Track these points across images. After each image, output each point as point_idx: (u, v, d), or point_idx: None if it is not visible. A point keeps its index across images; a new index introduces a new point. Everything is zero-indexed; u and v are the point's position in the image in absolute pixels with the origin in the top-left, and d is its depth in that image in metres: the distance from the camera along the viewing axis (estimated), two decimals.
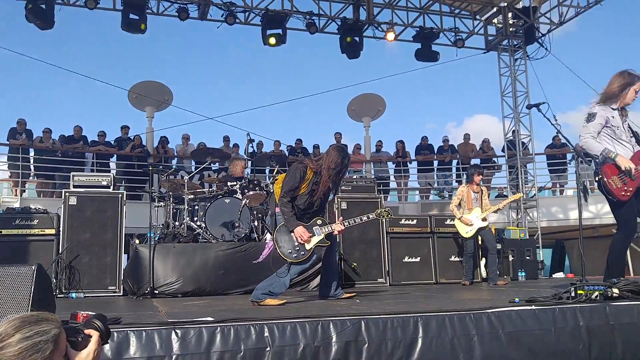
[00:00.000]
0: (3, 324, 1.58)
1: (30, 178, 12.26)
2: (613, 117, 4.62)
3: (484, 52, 13.66)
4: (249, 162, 8.83)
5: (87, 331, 1.79)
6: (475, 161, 13.74)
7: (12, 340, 1.55)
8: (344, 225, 4.89)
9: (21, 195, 11.42)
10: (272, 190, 7.78)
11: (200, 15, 11.73)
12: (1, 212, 7.44)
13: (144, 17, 11.06)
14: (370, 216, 5.19)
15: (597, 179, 4.61)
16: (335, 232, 4.87)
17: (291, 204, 4.76)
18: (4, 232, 7.05)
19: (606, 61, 32.11)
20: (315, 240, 4.76)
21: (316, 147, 13.51)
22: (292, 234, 4.69)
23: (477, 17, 13.46)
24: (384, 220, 7.34)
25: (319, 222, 4.83)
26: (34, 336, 1.57)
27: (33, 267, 2.82)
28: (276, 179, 5.46)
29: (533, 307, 3.52)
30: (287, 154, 12.87)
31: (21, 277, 2.79)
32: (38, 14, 10.47)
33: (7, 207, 8.40)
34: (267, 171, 12.60)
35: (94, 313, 3.08)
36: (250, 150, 9.56)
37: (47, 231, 7.19)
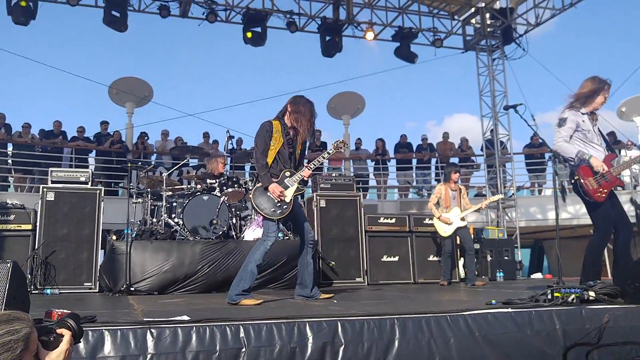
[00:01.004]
0: None
1: (10, 173, 12.07)
2: (583, 121, 4.73)
3: (462, 52, 13.78)
4: (229, 159, 8.79)
5: (59, 330, 1.79)
6: (454, 160, 13.86)
7: None
8: (310, 169, 4.95)
9: (1, 190, 11.22)
10: (250, 188, 7.78)
11: (181, 13, 11.66)
12: None
13: (125, 14, 10.96)
14: (330, 151, 5.22)
15: (573, 180, 4.69)
16: (305, 177, 4.91)
17: (267, 166, 4.86)
18: None
19: (584, 61, 32.63)
20: (291, 190, 4.86)
21: None
22: (267, 192, 4.79)
23: (456, 17, 13.56)
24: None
25: (287, 174, 4.91)
26: (5, 335, 1.57)
27: (8, 265, 2.79)
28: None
29: (510, 309, 3.56)
30: None
31: None
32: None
33: None
34: (246, 168, 12.57)
35: (69, 312, 3.07)
36: (230, 147, 9.52)
37: (24, 226, 7.11)
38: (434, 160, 14.15)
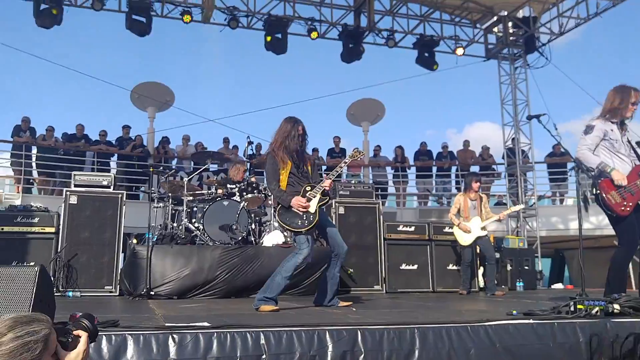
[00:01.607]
0: None
1: (33, 176, 12.28)
2: (612, 130, 4.63)
3: (484, 60, 13.71)
4: (248, 165, 8.83)
5: (75, 332, 1.84)
6: (475, 168, 13.77)
7: (5, 339, 1.59)
8: (330, 178, 4.96)
9: (23, 193, 11.41)
10: (269, 194, 7.81)
11: (203, 18, 11.78)
12: (3, 209, 7.45)
13: (150, 19, 11.12)
14: (347, 160, 5.29)
15: (595, 192, 4.62)
16: (327, 188, 4.91)
17: (282, 191, 4.92)
18: (6, 229, 7.09)
19: (610, 70, 32.11)
20: (314, 202, 4.87)
21: (315, 150, 13.52)
22: (292, 207, 4.83)
23: (477, 25, 13.52)
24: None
25: (308, 188, 4.94)
26: (25, 336, 1.61)
27: (36, 268, 2.84)
28: None
29: (531, 320, 3.52)
30: None
31: (24, 277, 2.80)
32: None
33: (9, 204, 8.41)
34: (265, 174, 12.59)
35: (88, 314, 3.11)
36: (250, 152, 9.57)
37: (47, 229, 7.22)
38: (454, 169, 14.07)
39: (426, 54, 12.70)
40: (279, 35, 11.91)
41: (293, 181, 4.97)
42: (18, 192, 11.31)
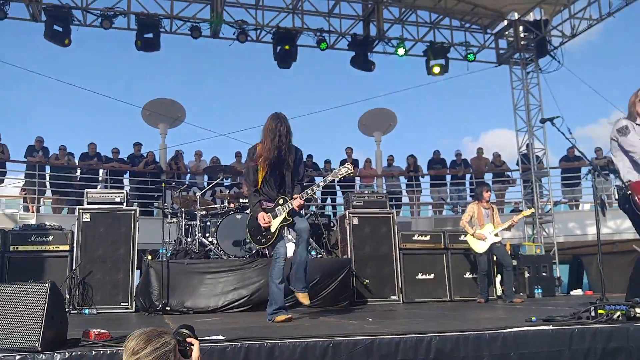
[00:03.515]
0: (131, 339, 1.90)
1: (46, 194, 12.37)
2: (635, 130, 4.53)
3: (496, 66, 13.63)
4: None
5: (188, 340, 2.09)
6: (489, 175, 13.65)
7: (146, 351, 1.86)
8: (302, 198, 4.87)
9: (37, 212, 11.51)
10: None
11: (212, 33, 11.84)
12: (18, 228, 7.50)
13: (158, 36, 11.22)
14: (329, 179, 5.12)
15: (625, 193, 4.42)
16: (295, 207, 4.84)
17: (257, 193, 4.90)
18: (20, 248, 7.13)
19: (630, 70, 31.50)
20: (277, 221, 4.85)
21: (327, 162, 13.49)
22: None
23: (488, 30, 13.45)
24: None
25: (281, 201, 4.90)
26: (162, 347, 1.89)
27: (46, 285, 2.83)
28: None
29: (551, 327, 3.44)
30: None
31: (35, 294, 2.81)
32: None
33: (23, 223, 8.47)
34: None
35: (105, 331, 3.10)
36: None
37: (62, 247, 7.25)
38: (468, 176, 13.95)
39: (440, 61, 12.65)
40: (288, 47, 11.96)
41: (269, 184, 4.92)
42: (32, 212, 11.40)
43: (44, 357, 2.68)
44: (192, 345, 2.09)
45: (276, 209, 4.86)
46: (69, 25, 10.89)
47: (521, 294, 8.79)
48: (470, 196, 13.72)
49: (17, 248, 7.13)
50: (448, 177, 13.96)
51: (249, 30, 11.86)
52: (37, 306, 2.77)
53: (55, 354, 2.71)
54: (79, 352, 2.75)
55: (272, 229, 4.83)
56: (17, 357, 2.66)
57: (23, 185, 12.00)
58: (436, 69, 12.50)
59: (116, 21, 11.18)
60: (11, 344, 2.69)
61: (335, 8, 12.62)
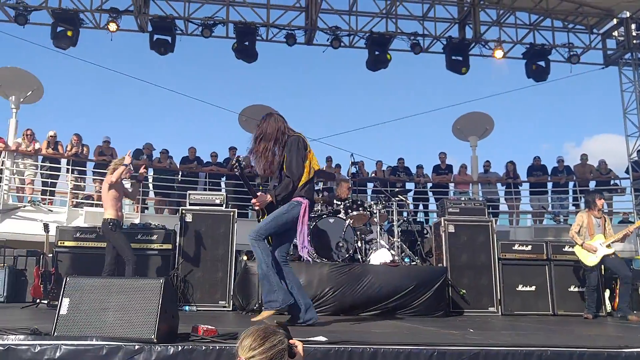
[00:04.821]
0: (247, 336, 1.93)
1: (149, 196, 13.06)
2: None
3: (602, 68, 12.85)
4: (352, 183, 8.81)
5: (291, 341, 2.06)
6: (593, 184, 12.84)
7: (263, 348, 1.89)
8: (260, 199, 4.75)
9: (141, 212, 12.15)
10: (375, 212, 7.72)
11: (306, 40, 12.04)
12: (126, 227, 7.94)
13: (254, 43, 11.58)
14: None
15: None
16: (255, 205, 4.76)
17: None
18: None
19: None
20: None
21: (419, 167, 13.27)
22: None
23: (594, 30, 12.70)
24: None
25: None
26: (278, 344, 1.92)
27: (161, 281, 2.96)
28: None
29: None
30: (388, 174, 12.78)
31: (150, 289, 2.94)
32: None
33: (129, 222, 8.96)
34: (369, 192, 12.55)
35: (212, 327, 3.18)
36: (354, 170, 9.56)
37: (165, 246, 7.58)
38: (571, 184, 13.18)
39: (537, 65, 12.11)
40: (378, 53, 11.91)
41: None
42: (136, 212, 12.05)
43: (159, 348, 2.79)
44: (296, 346, 2.07)
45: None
46: (77, 26, 11.41)
47: (636, 312, 8.12)
48: (573, 205, 12.99)
49: None
50: (549, 185, 13.28)
51: (342, 36, 11.95)
52: (153, 300, 2.90)
53: (170, 346, 2.81)
54: (190, 347, 2.84)
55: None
56: (136, 346, 2.79)
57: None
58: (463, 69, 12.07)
59: (215, 30, 11.66)
60: (130, 334, 2.84)
61: (430, 11, 12.43)
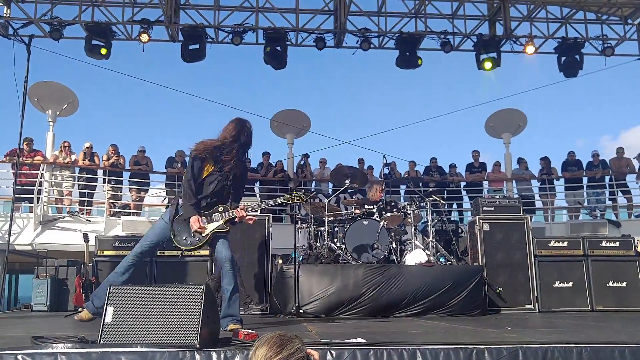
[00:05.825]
0: (262, 344, 1.84)
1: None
2: None
3: (638, 59, 12.55)
4: (384, 184, 8.84)
5: (308, 351, 1.99)
6: (630, 177, 12.57)
7: (281, 356, 1.79)
8: (246, 211, 4.66)
9: None
10: (408, 212, 7.74)
11: (336, 43, 12.09)
12: None
13: (285, 49, 11.68)
14: (278, 200, 4.99)
15: None
16: (237, 218, 4.63)
17: (194, 193, 4.62)
18: (167, 252, 7.68)
19: None
20: (212, 226, 4.60)
21: (452, 166, 13.18)
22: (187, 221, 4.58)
23: (629, 21, 12.43)
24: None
25: (221, 209, 4.67)
26: (297, 352, 1.83)
27: (202, 287, 3.06)
28: None
29: None
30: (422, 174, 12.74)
31: (192, 296, 3.04)
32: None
33: None
34: (401, 192, 12.54)
35: (253, 331, 3.28)
36: (386, 172, 9.59)
37: (203, 252, 7.71)
38: (607, 179, 12.92)
39: (575, 58, 11.90)
40: (409, 53, 11.90)
41: (212, 188, 4.70)
42: None
43: (203, 354, 2.88)
44: (313, 356, 2.01)
45: (214, 215, 4.67)
46: (204, 42, 11.65)
47: None
48: (610, 199, 12.72)
49: (163, 253, 7.68)
50: (585, 180, 13.04)
51: (371, 38, 11.96)
52: (195, 307, 3.00)
53: (212, 351, 2.90)
54: (232, 352, 2.92)
55: (204, 233, 4.60)
56: (180, 352, 2.88)
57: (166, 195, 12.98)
58: (487, 65, 11.88)
59: (245, 37, 11.82)
60: (173, 340, 2.94)
61: (460, 9, 12.36)
